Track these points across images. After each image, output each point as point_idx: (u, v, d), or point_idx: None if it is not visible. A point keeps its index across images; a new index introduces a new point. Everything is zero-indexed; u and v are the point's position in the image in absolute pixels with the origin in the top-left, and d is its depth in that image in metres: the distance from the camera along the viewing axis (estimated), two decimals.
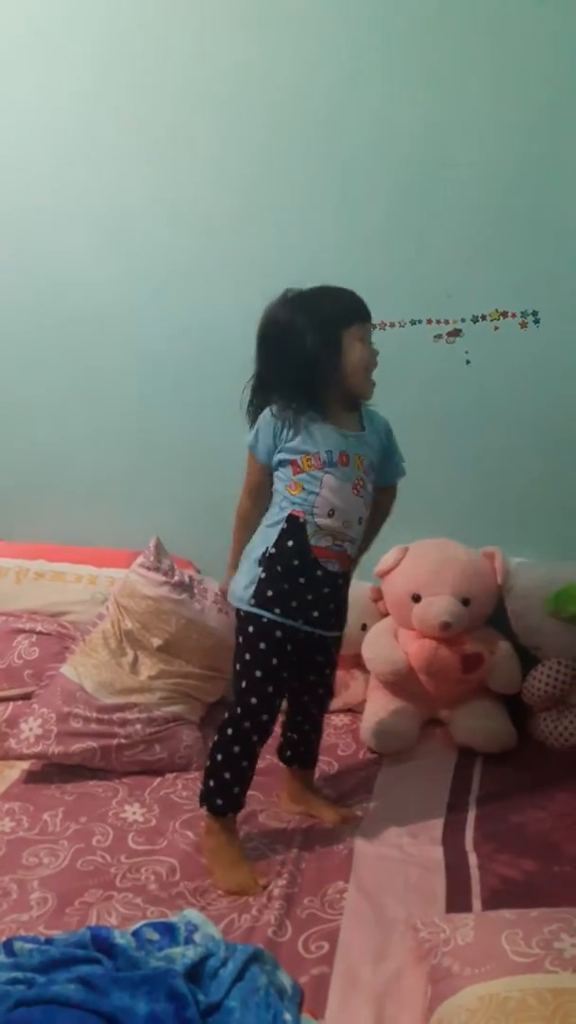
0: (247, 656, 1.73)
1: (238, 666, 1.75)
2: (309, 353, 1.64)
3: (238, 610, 1.75)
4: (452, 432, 2.38)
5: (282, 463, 1.71)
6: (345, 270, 2.29)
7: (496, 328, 2.30)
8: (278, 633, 1.71)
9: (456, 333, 2.32)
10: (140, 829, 1.84)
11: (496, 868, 1.65)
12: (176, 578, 2.32)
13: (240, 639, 1.75)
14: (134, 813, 1.89)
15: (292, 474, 1.69)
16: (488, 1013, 1.14)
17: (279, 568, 1.70)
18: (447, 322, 2.32)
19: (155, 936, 1.40)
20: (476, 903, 1.55)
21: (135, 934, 1.39)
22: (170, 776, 2.05)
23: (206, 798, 1.73)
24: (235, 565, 1.80)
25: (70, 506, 2.67)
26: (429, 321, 2.33)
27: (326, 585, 1.74)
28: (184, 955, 1.32)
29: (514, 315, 2.28)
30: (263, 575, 1.70)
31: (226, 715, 1.75)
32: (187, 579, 2.35)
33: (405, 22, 2.18)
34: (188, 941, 1.40)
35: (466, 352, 2.32)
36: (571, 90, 2.14)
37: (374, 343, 1.73)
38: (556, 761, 2.09)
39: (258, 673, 1.72)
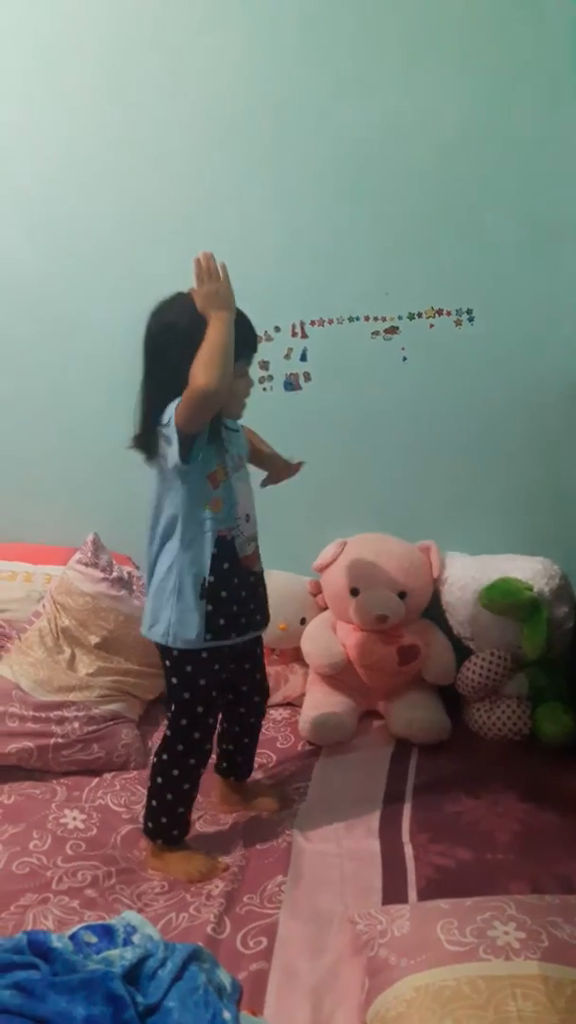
0: (186, 695, 1.69)
1: (174, 706, 1.71)
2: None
3: (169, 650, 1.67)
4: (389, 428, 2.41)
5: (194, 478, 1.61)
6: (284, 266, 2.31)
7: (432, 326, 2.33)
8: (216, 666, 1.69)
9: (393, 330, 2.34)
10: (81, 837, 1.80)
11: (431, 858, 1.68)
12: (114, 574, 2.30)
13: (174, 680, 1.69)
14: (74, 819, 1.85)
15: (211, 488, 1.62)
16: (424, 1004, 1.16)
17: (223, 594, 1.65)
18: (384, 319, 2.34)
19: (93, 939, 1.38)
20: (412, 894, 1.57)
21: (72, 937, 1.37)
22: (108, 776, 2.04)
23: (161, 834, 1.72)
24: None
25: (4, 501, 2.60)
26: (367, 318, 2.34)
27: (259, 586, 1.76)
28: (122, 957, 1.31)
29: (449, 313, 2.32)
30: (210, 608, 1.63)
31: (164, 756, 1.72)
32: (126, 575, 2.33)
33: (348, 18, 2.18)
34: (127, 943, 1.39)
35: (403, 349, 2.35)
36: (503, 91, 2.17)
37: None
38: (489, 751, 2.13)
39: (200, 709, 1.70)
